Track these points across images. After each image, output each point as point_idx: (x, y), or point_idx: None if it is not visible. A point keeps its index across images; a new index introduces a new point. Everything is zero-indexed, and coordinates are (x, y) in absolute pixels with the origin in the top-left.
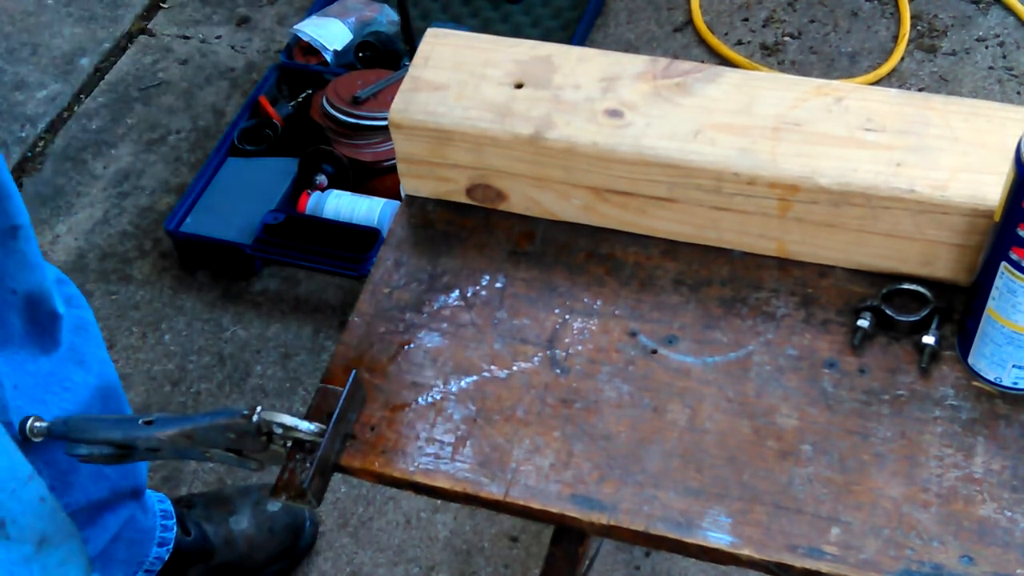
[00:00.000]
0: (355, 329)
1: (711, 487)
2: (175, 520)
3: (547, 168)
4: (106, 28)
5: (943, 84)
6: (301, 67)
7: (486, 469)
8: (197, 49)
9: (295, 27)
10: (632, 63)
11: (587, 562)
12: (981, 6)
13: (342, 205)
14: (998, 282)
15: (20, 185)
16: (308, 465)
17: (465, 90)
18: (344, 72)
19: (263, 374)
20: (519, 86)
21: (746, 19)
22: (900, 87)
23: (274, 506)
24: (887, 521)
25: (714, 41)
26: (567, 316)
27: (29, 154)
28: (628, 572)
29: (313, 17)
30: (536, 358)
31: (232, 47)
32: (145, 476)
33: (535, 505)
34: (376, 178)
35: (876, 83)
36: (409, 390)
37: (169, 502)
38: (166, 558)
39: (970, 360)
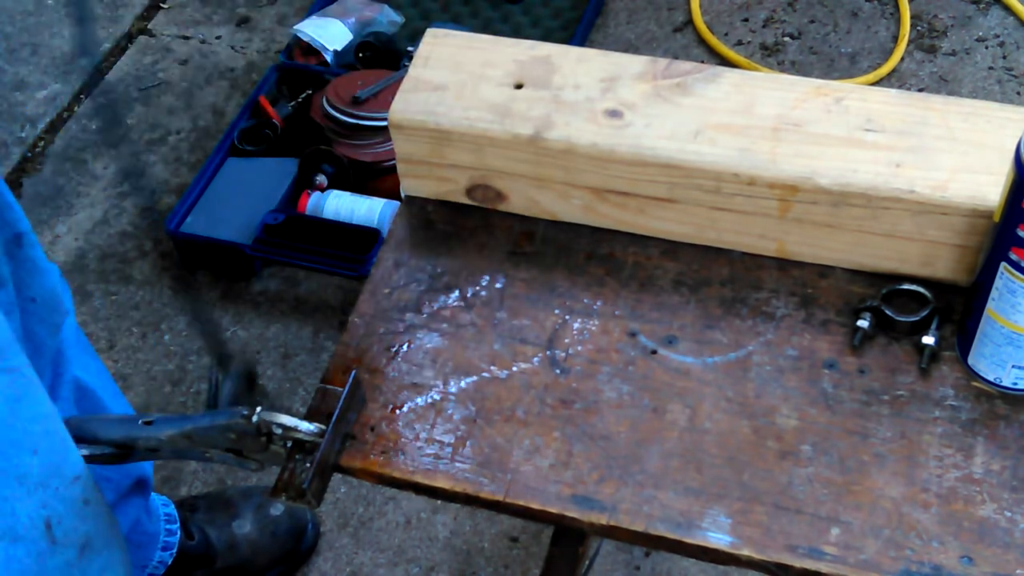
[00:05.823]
0: (355, 329)
1: (711, 487)
2: (179, 524)
3: (547, 168)
4: (106, 28)
5: (943, 84)
6: (301, 67)
7: (486, 469)
8: (197, 49)
9: (295, 27)
10: (632, 63)
11: (587, 562)
12: (981, 6)
13: (342, 205)
14: (998, 282)
15: (20, 185)
16: (308, 465)
17: (465, 90)
18: (344, 72)
19: (263, 374)
20: (519, 86)
21: (746, 19)
22: (900, 87)
23: (276, 509)
24: (887, 521)
25: (714, 41)
26: (567, 316)
27: (29, 154)
28: (628, 572)
29: (313, 17)
30: (536, 358)
31: (232, 47)
32: (151, 468)
33: (535, 505)
34: (376, 178)
35: (876, 83)
36: (409, 390)
37: (173, 506)
38: (169, 562)
39: (970, 360)
